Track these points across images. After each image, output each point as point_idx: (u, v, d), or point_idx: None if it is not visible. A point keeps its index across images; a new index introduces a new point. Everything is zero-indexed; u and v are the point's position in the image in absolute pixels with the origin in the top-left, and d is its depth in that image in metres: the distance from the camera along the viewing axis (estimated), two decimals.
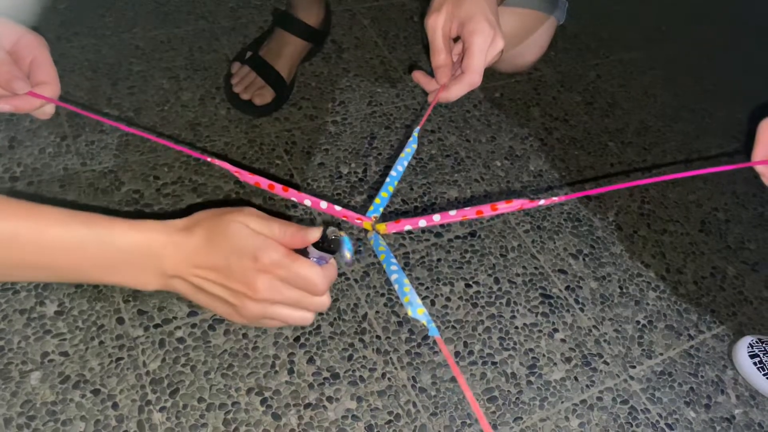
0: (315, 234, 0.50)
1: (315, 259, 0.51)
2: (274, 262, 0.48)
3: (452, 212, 0.52)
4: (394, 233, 1.00)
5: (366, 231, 0.53)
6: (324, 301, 0.52)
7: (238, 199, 0.99)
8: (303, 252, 0.51)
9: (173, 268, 0.50)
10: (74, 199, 0.94)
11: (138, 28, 1.22)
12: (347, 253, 0.49)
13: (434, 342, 0.89)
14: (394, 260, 0.50)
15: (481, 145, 1.18)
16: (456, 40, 0.72)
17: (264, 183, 0.53)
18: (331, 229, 0.51)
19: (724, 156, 1.31)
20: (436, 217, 0.52)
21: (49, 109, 0.60)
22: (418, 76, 0.72)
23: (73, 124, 1.03)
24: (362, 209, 1.01)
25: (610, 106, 1.34)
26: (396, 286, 0.48)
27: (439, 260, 0.99)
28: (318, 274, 0.50)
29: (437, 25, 0.69)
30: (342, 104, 1.18)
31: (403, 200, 1.05)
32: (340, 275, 0.93)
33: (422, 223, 0.52)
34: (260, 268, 0.48)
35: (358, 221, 0.52)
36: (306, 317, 0.52)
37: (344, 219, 0.52)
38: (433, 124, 1.19)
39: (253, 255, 0.48)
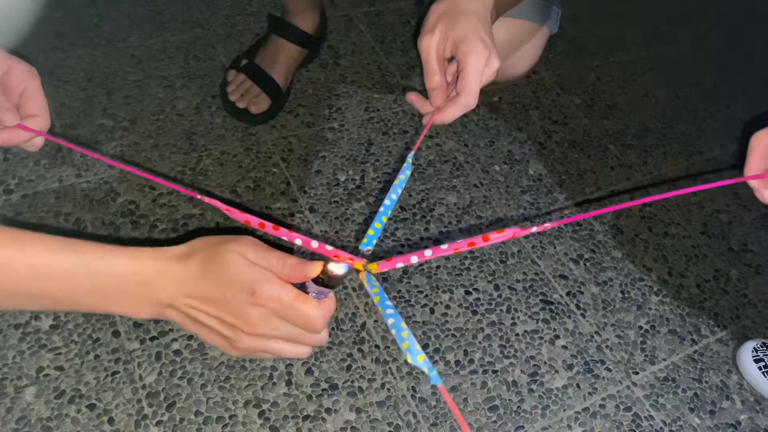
0: (315, 269, 0.48)
1: (313, 294, 0.49)
2: (270, 296, 0.47)
3: (444, 246, 0.50)
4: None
5: (358, 271, 0.51)
6: (322, 337, 0.50)
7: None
8: (301, 286, 0.50)
9: (167, 298, 0.48)
10: (69, 211, 0.93)
11: (133, 37, 1.21)
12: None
13: (434, 351, 0.88)
14: (389, 303, 0.49)
15: (479, 150, 1.17)
16: (450, 60, 0.71)
17: (254, 221, 0.52)
18: (331, 263, 0.49)
19: (725, 156, 1.29)
20: (428, 252, 0.51)
21: (38, 142, 0.59)
22: (413, 98, 0.71)
23: (68, 136, 1.03)
24: (359, 216, 1.00)
25: (610, 108, 1.33)
26: (393, 331, 0.47)
27: (438, 267, 0.98)
28: (316, 310, 0.48)
29: (431, 46, 0.68)
30: (339, 111, 1.17)
31: (402, 207, 1.04)
32: None
33: (414, 259, 0.51)
34: (256, 302, 0.47)
35: (350, 261, 0.51)
36: (302, 351, 0.51)
37: (335, 259, 0.51)
38: (431, 129, 1.18)
39: (250, 288, 0.47)
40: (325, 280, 0.49)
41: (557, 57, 1.41)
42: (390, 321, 0.47)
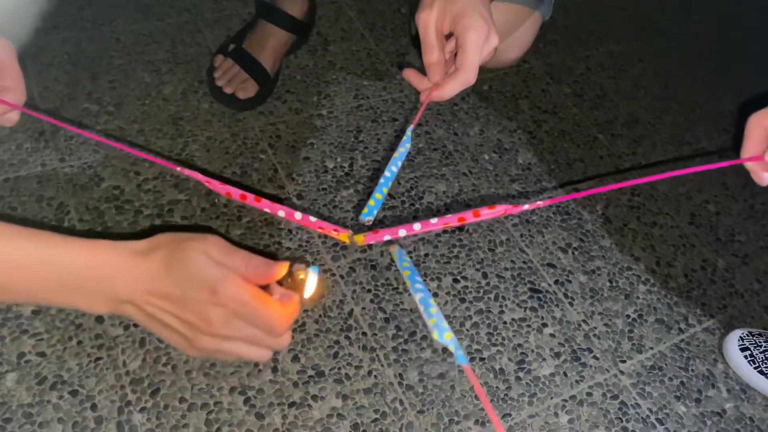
0: (280, 270, 0.48)
1: (278, 296, 0.49)
2: (231, 297, 0.46)
3: (433, 220, 0.50)
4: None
5: (347, 243, 0.51)
6: (283, 340, 0.50)
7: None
8: (266, 287, 0.49)
9: (126, 294, 0.47)
10: (52, 196, 0.92)
11: (119, 20, 1.20)
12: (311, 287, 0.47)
13: (422, 338, 0.88)
14: (419, 278, 0.48)
15: (469, 138, 1.16)
16: (448, 36, 0.70)
17: (235, 193, 0.51)
18: (296, 265, 0.49)
19: (714, 147, 1.30)
20: (417, 226, 0.50)
21: (13, 116, 0.57)
22: (410, 74, 0.69)
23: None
24: (348, 204, 1.00)
25: (600, 98, 1.33)
26: (421, 307, 0.46)
27: (426, 255, 0.97)
28: (278, 313, 0.47)
29: (429, 21, 0.66)
30: (328, 97, 1.16)
31: (391, 194, 1.04)
32: (325, 271, 0.91)
33: (402, 232, 0.50)
34: (217, 302, 0.46)
35: (335, 233, 0.50)
36: (262, 354, 0.50)
37: (320, 230, 0.50)
38: (421, 117, 1.17)
39: (212, 287, 0.45)
40: (290, 283, 0.48)
41: (547, 46, 1.40)
42: (418, 296, 0.46)
